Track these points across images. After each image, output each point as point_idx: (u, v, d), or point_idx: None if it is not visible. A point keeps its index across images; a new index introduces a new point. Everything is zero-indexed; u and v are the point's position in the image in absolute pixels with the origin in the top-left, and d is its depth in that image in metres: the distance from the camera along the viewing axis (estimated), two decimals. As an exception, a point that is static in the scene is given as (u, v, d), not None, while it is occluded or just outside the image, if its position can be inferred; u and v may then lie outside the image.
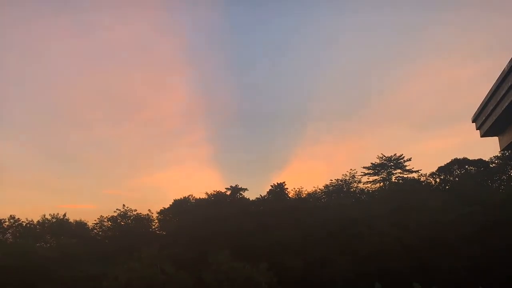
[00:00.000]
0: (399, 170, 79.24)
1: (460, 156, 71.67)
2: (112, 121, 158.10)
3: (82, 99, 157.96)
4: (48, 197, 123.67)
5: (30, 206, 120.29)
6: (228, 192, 76.69)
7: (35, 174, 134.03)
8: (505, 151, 46.31)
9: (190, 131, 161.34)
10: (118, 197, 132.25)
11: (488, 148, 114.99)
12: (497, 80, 7.62)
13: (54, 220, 72.08)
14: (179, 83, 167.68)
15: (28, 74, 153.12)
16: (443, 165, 72.92)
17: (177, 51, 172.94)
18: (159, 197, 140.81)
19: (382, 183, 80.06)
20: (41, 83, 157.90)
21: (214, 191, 75.48)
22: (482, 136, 9.70)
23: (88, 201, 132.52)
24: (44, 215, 72.70)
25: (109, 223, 73.39)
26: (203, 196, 75.30)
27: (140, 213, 73.40)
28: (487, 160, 70.33)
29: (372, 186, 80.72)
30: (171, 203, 76.09)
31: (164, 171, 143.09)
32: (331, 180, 79.62)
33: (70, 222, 72.85)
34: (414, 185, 69.52)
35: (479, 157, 70.80)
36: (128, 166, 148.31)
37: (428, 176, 74.89)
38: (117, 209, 72.50)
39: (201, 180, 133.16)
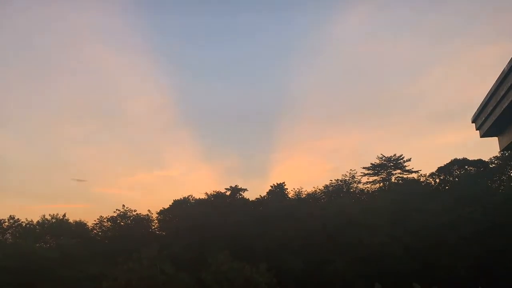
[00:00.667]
0: (398, 171, 79.39)
1: (459, 156, 71.88)
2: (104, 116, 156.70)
3: (75, 96, 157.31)
4: (46, 197, 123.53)
5: (30, 206, 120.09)
6: (228, 193, 76.69)
7: (35, 174, 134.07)
8: (505, 152, 46.27)
9: (189, 130, 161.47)
10: (117, 196, 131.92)
11: (488, 148, 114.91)
12: (497, 80, 7.60)
13: (54, 220, 71.94)
14: (177, 80, 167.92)
15: (23, 73, 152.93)
16: (442, 165, 73.06)
17: (176, 48, 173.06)
18: (158, 196, 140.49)
19: (382, 184, 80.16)
20: (38, 82, 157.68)
21: (213, 191, 75.51)
22: (482, 136, 9.69)
23: (88, 201, 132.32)
24: (44, 215, 72.66)
25: (109, 223, 73.32)
26: (203, 196, 75.39)
27: (140, 214, 73.38)
28: (487, 160, 70.41)
29: (372, 187, 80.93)
30: (170, 203, 76.10)
31: (162, 169, 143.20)
32: (331, 181, 79.80)
33: (70, 222, 72.70)
34: (414, 186, 69.59)
35: (479, 157, 71.00)
36: (126, 164, 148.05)
37: (428, 177, 75.04)
38: (116, 209, 72.53)
39: (200, 180, 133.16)
